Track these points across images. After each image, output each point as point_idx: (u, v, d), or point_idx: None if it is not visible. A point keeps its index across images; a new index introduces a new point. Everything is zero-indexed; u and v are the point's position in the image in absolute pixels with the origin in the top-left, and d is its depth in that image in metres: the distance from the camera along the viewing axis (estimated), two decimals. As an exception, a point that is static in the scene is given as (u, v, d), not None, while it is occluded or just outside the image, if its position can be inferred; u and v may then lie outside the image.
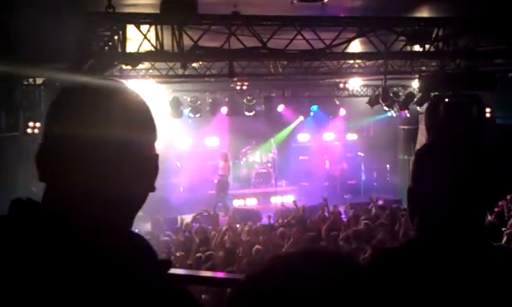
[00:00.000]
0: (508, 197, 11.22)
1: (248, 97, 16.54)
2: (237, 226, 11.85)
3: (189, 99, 15.93)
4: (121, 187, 1.26)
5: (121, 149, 1.26)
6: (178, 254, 9.15)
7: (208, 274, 4.54)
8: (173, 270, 3.22)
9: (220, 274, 4.55)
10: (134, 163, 1.29)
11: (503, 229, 9.33)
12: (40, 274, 1.14)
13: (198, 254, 8.86)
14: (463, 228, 1.69)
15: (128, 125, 1.29)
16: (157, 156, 1.37)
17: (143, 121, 1.34)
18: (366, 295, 0.94)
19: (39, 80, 11.02)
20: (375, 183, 19.38)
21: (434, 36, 8.97)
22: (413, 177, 1.79)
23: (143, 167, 1.32)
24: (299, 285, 0.91)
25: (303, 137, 20.07)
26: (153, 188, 1.36)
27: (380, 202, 13.85)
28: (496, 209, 10.87)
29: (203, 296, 6.01)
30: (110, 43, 7.69)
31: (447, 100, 10.56)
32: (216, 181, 16.65)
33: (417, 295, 1.62)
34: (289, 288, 0.91)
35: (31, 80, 11.17)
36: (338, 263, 0.98)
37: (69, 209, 1.23)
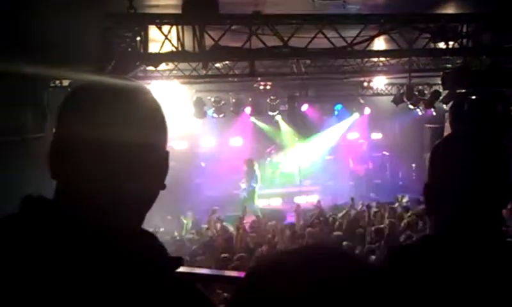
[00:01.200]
0: None
1: (272, 97, 16.52)
2: (259, 226, 11.87)
3: (212, 99, 15.98)
4: (132, 185, 1.27)
5: (132, 147, 1.26)
6: (202, 253, 9.23)
7: (233, 273, 4.53)
8: (197, 270, 3.22)
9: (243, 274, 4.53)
10: (144, 161, 1.29)
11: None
12: (51, 271, 1.15)
13: (223, 255, 8.90)
14: (478, 225, 1.67)
15: (140, 124, 1.29)
16: (167, 154, 1.37)
17: (154, 120, 1.34)
18: (373, 293, 0.91)
19: (65, 82, 11.16)
20: (400, 183, 19.21)
21: (458, 32, 8.84)
22: (430, 173, 1.78)
23: (153, 166, 1.32)
24: (299, 284, 0.88)
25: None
26: (163, 187, 1.36)
27: (405, 201, 13.80)
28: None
29: (225, 294, 6.03)
30: (132, 44, 7.75)
31: (472, 97, 10.40)
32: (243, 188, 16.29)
33: (430, 293, 1.60)
34: (290, 287, 0.89)
35: (57, 82, 11.34)
36: (342, 261, 0.95)
37: (81, 206, 1.24)
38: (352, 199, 14.10)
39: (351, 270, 0.93)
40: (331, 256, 0.96)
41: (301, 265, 0.92)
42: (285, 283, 0.89)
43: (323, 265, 0.92)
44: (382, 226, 10.13)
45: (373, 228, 9.99)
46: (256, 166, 16.29)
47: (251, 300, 0.91)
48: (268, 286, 0.90)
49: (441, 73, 11.66)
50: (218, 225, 11.72)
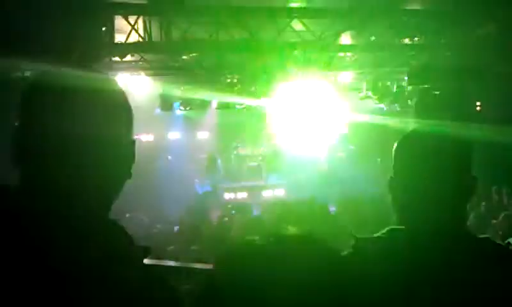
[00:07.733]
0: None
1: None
2: (226, 219, 11.85)
3: (179, 92, 15.85)
4: (98, 174, 1.27)
5: (98, 137, 1.26)
6: (169, 247, 9.17)
7: (198, 265, 4.59)
8: (164, 262, 3.22)
9: (210, 266, 4.57)
10: (110, 150, 1.29)
11: (493, 221, 9.42)
12: (15, 261, 1.13)
13: (193, 247, 8.88)
14: (442, 218, 1.70)
15: (105, 114, 1.29)
16: (133, 143, 1.37)
17: (119, 109, 1.35)
18: (341, 278, 0.93)
19: (27, 73, 10.95)
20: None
21: (423, 28, 8.98)
22: (394, 167, 1.82)
23: (119, 155, 1.32)
24: (270, 269, 0.90)
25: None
26: (129, 175, 1.37)
27: None
28: (484, 203, 10.95)
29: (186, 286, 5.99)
30: (98, 34, 7.64)
31: (436, 92, 10.60)
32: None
33: (391, 282, 1.61)
34: (262, 271, 0.90)
35: (18, 72, 11.10)
36: (313, 245, 0.97)
37: (46, 194, 1.22)
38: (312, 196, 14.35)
39: (322, 254, 0.94)
40: (301, 241, 0.98)
41: (278, 249, 0.93)
42: (261, 265, 0.90)
43: (298, 249, 0.94)
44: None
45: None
46: (219, 161, 16.32)
47: (229, 280, 0.92)
48: (244, 267, 0.91)
49: (406, 68, 11.82)
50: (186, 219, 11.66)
